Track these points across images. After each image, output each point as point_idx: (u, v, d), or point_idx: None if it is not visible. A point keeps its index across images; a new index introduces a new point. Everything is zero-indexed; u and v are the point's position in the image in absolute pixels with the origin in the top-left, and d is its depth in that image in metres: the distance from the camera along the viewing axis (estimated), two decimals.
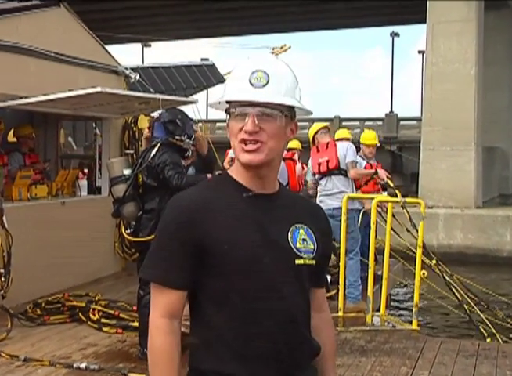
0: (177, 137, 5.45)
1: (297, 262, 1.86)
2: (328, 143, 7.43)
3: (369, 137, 8.55)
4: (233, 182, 1.89)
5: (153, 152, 5.36)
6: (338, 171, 7.31)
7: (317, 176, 7.47)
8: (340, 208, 7.03)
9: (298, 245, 1.88)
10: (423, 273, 6.75)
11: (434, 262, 7.00)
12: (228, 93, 1.86)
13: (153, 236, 5.15)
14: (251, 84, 1.81)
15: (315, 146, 7.56)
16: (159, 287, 1.83)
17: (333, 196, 7.29)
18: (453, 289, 7.46)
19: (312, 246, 1.91)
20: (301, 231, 1.90)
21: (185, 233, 1.80)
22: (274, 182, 1.93)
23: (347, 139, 8.47)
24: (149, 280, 1.86)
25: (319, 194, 7.46)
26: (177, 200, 1.90)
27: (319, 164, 7.36)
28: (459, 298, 7.42)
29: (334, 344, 2.11)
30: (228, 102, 1.88)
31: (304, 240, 1.90)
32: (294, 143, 9.06)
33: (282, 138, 1.87)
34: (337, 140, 8.64)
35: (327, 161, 7.31)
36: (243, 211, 1.85)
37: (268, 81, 1.81)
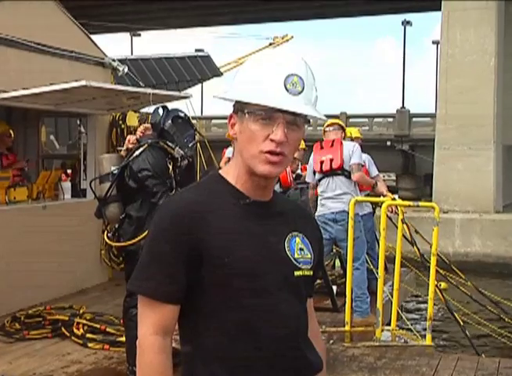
0: (169, 143, 5.43)
1: (296, 273, 1.88)
2: (333, 141, 7.42)
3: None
4: (228, 186, 1.89)
5: (137, 152, 5.36)
6: (341, 171, 7.30)
7: (317, 175, 7.45)
8: (344, 211, 7.03)
9: (296, 256, 1.89)
10: (440, 284, 6.76)
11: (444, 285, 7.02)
12: (254, 92, 1.80)
13: (134, 240, 5.16)
14: (287, 89, 1.80)
15: (319, 142, 7.56)
16: (150, 301, 1.82)
17: (335, 198, 7.27)
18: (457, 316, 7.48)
19: (309, 255, 1.93)
20: (298, 240, 1.92)
21: (182, 241, 1.79)
22: (272, 188, 1.95)
23: (353, 139, 8.50)
24: (140, 294, 1.84)
25: (319, 197, 7.44)
26: (172, 203, 1.89)
27: (322, 162, 7.34)
28: (461, 322, 7.43)
29: (325, 357, 2.13)
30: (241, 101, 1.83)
31: (301, 249, 1.91)
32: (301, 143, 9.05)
33: (298, 147, 1.91)
34: None
35: (331, 160, 7.29)
36: (241, 219, 1.85)
37: (303, 89, 1.81)
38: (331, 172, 7.31)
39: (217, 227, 1.81)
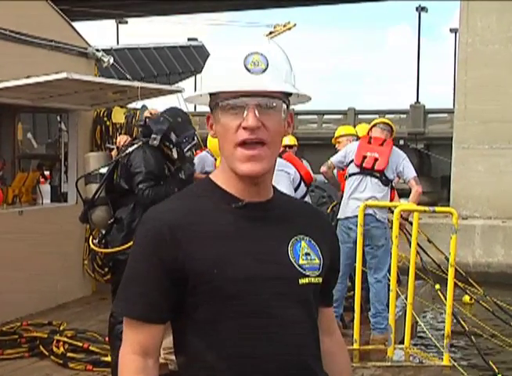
0: (166, 143, 5.43)
1: (302, 281, 1.87)
2: (384, 141, 7.52)
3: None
4: (219, 189, 1.90)
5: (130, 149, 5.36)
6: (380, 175, 7.36)
7: (352, 169, 7.53)
8: (369, 215, 7.07)
9: (301, 261, 1.89)
10: (471, 298, 6.77)
11: (437, 286, 7.08)
12: (216, 82, 1.83)
13: (123, 247, 5.15)
14: (248, 69, 1.80)
15: (368, 136, 7.69)
16: (130, 321, 1.86)
17: (362, 200, 7.31)
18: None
19: (318, 260, 1.92)
20: (303, 244, 1.91)
21: (164, 258, 1.81)
22: (269, 186, 1.94)
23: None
24: (121, 314, 1.90)
25: (345, 195, 7.50)
26: (153, 214, 1.91)
27: (364, 157, 7.42)
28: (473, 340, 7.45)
29: (350, 370, 2.13)
30: (212, 93, 1.86)
31: (307, 254, 1.90)
32: (290, 140, 9.14)
33: (282, 135, 1.89)
34: (341, 136, 8.73)
35: (375, 159, 7.37)
36: (233, 225, 1.86)
37: (267, 66, 1.81)
38: (369, 172, 7.38)
39: (203, 239, 1.82)
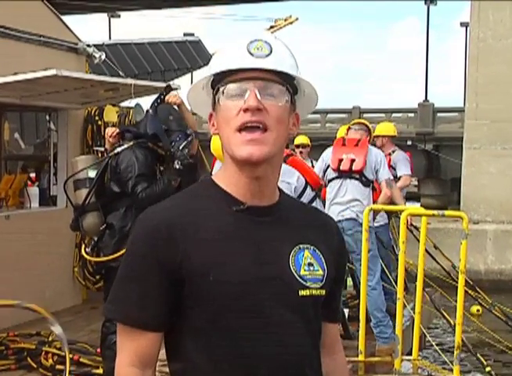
0: (159, 144, 5.42)
1: (302, 293, 1.88)
2: (359, 141, 7.54)
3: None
4: (220, 191, 1.91)
5: (119, 149, 5.35)
6: (359, 176, 7.39)
7: (330, 174, 7.53)
8: (353, 220, 7.08)
9: (302, 272, 1.89)
10: (478, 310, 6.78)
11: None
12: (218, 66, 1.88)
13: (116, 255, 5.15)
14: (251, 53, 1.84)
15: (342, 138, 7.69)
16: (125, 328, 1.85)
17: (343, 204, 7.35)
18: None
19: (321, 272, 1.92)
20: (306, 253, 1.91)
21: (161, 257, 1.82)
22: (273, 188, 1.94)
23: (392, 137, 8.75)
24: (114, 319, 1.90)
25: (326, 201, 7.51)
26: (150, 214, 1.91)
27: (340, 160, 7.43)
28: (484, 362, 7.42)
29: None
30: (214, 87, 1.89)
31: (310, 264, 1.90)
32: (303, 139, 9.16)
33: (286, 127, 1.89)
34: (376, 137, 8.78)
35: (352, 160, 7.39)
36: (233, 225, 1.86)
37: (271, 52, 1.85)
38: (348, 174, 7.40)
39: (201, 239, 1.83)
